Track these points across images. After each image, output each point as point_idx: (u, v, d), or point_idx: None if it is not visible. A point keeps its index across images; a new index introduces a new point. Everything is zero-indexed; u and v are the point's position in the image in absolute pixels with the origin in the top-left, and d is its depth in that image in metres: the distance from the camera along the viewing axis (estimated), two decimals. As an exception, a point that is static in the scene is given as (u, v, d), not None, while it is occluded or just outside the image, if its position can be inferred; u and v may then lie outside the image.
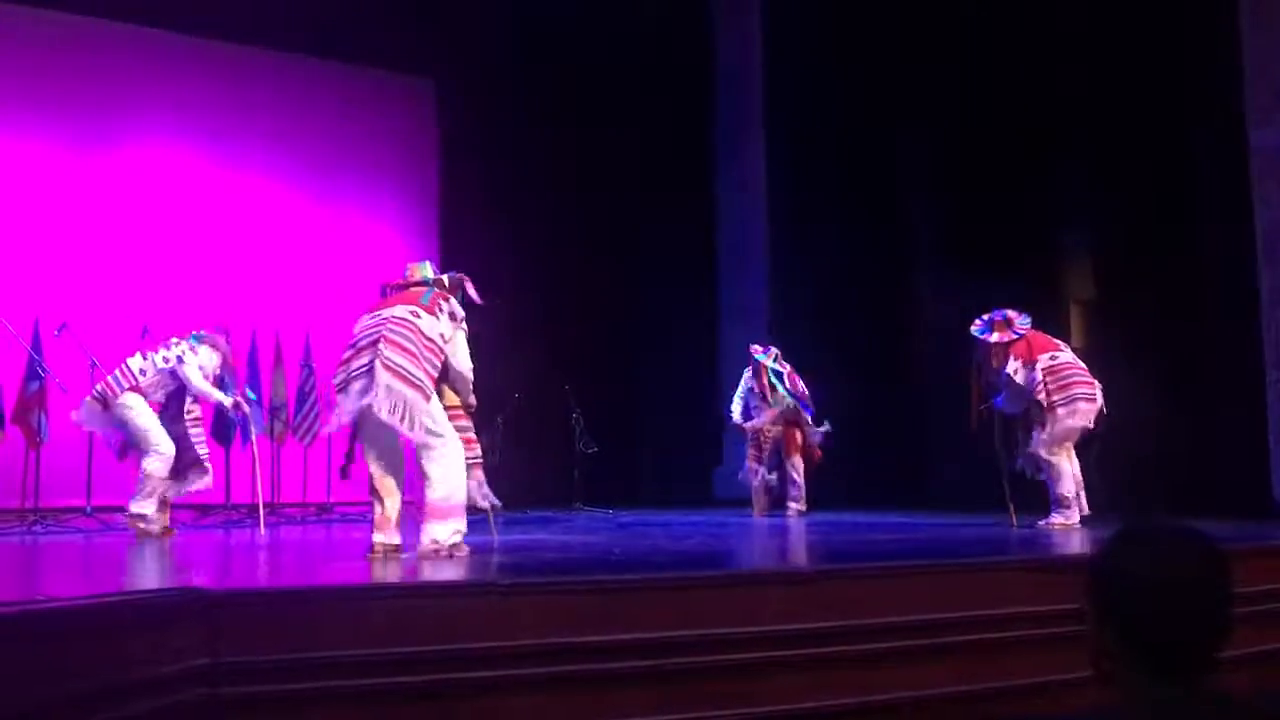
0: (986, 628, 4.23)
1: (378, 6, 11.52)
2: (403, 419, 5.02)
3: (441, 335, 5.33)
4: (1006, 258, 9.56)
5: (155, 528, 7.18)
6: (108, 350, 8.50)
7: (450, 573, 4.66)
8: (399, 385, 5.01)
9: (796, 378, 9.83)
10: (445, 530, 5.17)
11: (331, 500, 10.39)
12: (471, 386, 5.66)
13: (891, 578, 4.39)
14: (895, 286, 11.07)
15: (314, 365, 10.48)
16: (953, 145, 10.62)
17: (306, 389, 10.51)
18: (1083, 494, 7.26)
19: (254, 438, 8.14)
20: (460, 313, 5.52)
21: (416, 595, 3.84)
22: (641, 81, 12.61)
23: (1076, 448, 7.24)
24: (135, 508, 7.18)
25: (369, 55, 11.82)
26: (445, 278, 5.67)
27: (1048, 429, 7.12)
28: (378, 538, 5.27)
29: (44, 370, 8.86)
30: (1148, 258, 9.09)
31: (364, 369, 5.07)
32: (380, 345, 5.08)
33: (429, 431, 5.11)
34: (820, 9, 11.53)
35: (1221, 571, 1.65)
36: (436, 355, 5.26)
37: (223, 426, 10.07)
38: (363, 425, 5.23)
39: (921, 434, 10.61)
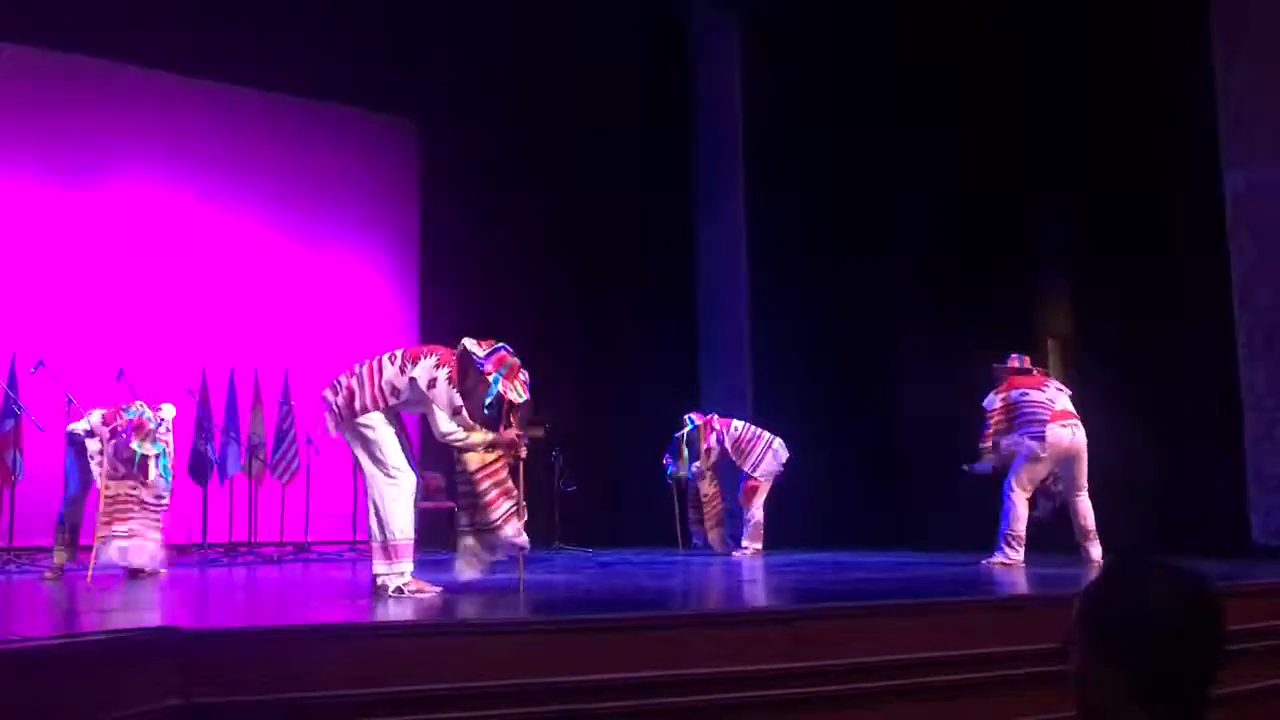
0: (970, 667, 4.21)
1: (360, 47, 11.55)
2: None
3: (394, 388, 5.45)
4: (985, 296, 9.64)
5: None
6: (84, 388, 8.42)
7: (426, 613, 4.62)
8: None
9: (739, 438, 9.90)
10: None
11: (309, 539, 10.30)
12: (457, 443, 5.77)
13: (874, 617, 4.37)
14: (876, 324, 11.09)
15: (293, 403, 10.40)
16: (933, 184, 10.68)
17: (285, 427, 10.42)
18: (1095, 539, 7.31)
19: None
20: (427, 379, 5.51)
21: (391, 635, 3.80)
22: (623, 125, 12.65)
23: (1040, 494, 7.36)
24: None
25: (351, 95, 11.82)
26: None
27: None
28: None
29: (19, 407, 8.77)
30: (1127, 299, 9.15)
31: None
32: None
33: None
34: (798, 51, 11.63)
35: (1215, 604, 1.65)
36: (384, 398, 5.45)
37: (200, 465, 10.00)
38: None
39: (902, 472, 10.60)
